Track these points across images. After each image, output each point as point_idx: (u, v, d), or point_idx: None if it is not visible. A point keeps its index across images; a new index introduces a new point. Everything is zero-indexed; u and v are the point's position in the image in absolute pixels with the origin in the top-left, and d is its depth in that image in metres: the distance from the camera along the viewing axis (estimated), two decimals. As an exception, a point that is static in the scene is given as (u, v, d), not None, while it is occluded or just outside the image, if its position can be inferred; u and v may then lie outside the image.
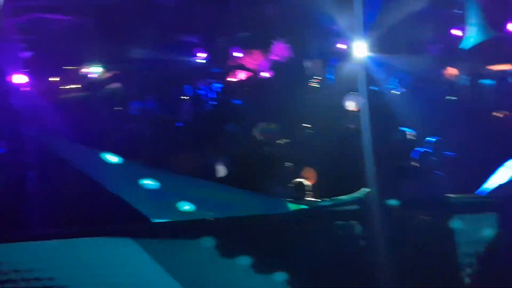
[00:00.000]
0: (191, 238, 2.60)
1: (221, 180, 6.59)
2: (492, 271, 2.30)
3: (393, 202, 2.55)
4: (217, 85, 17.65)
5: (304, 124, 8.34)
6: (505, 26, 14.34)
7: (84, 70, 23.70)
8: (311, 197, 4.44)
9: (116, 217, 2.68)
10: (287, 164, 6.58)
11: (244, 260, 2.57)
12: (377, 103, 9.40)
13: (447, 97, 11.00)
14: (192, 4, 18.62)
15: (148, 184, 2.67)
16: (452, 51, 17.46)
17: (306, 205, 2.54)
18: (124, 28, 17.88)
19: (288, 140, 8.03)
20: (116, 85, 20.85)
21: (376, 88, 12.47)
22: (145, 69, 18.38)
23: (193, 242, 2.62)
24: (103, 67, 20.58)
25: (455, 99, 10.34)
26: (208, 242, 2.59)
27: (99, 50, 17.67)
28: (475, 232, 2.40)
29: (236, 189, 2.69)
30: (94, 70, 21.58)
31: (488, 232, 2.31)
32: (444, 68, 15.51)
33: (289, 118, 9.15)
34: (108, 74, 21.25)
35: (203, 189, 2.73)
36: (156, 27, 17.81)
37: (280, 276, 2.60)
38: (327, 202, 2.64)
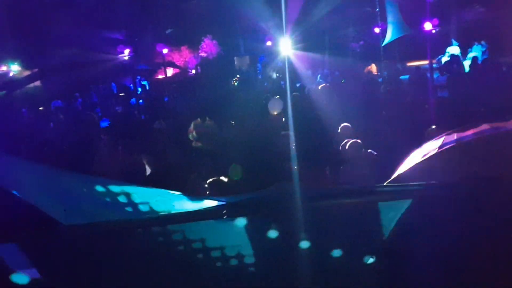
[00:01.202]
0: (106, 240, 2.57)
1: (146, 178, 6.50)
2: (410, 255, 2.46)
3: (309, 193, 2.65)
4: (144, 82, 17.38)
5: (230, 121, 8.39)
6: (420, 24, 15.22)
7: (2, 68, 22.50)
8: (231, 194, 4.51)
9: (26, 223, 2.58)
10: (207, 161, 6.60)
11: (160, 262, 2.57)
12: (301, 98, 9.68)
13: (368, 92, 11.51)
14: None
15: (59, 187, 2.59)
16: (372, 48, 18.25)
17: (223, 201, 2.58)
18: (46, 25, 17.08)
19: (215, 137, 8.06)
20: (36, 84, 19.97)
21: (300, 84, 12.88)
22: (68, 67, 17.72)
23: (110, 244, 2.59)
24: (22, 65, 19.65)
25: (374, 94, 10.82)
26: (125, 244, 2.57)
27: (19, 48, 16.79)
28: (393, 219, 2.55)
29: (152, 189, 2.68)
30: (13, 69, 20.55)
31: (405, 217, 2.47)
32: (365, 64, 16.21)
33: (216, 114, 9.16)
34: (27, 73, 20.29)
35: (119, 191, 2.68)
36: (79, 23, 17.17)
37: (199, 276, 2.62)
38: (243, 197, 2.69)
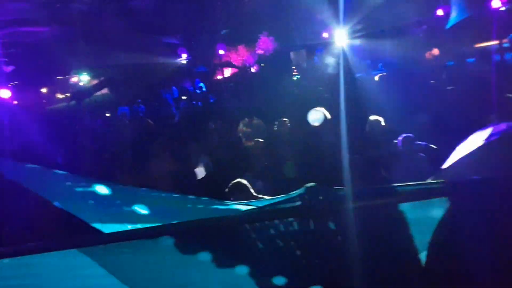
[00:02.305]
0: (145, 246, 2.58)
1: (202, 180, 6.57)
2: (446, 256, 2.29)
3: (340, 194, 2.52)
4: (201, 84, 17.65)
5: (284, 118, 8.28)
6: (486, 4, 14.29)
7: (72, 79, 23.80)
8: (261, 196, 4.42)
9: (65, 231, 2.66)
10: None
11: (199, 265, 2.55)
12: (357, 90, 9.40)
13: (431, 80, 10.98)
14: (169, 5, 18.57)
15: (98, 195, 2.63)
16: (436, 32, 17.40)
17: (252, 205, 2.52)
18: (104, 34, 17.84)
19: (264, 135, 8.00)
20: (104, 92, 20.94)
21: (360, 75, 12.50)
22: (131, 73, 18.40)
23: (148, 250, 2.60)
24: (89, 74, 20.62)
25: (436, 82, 10.29)
26: (162, 249, 2.57)
27: (83, 58, 17.67)
28: (426, 219, 2.39)
29: (182, 195, 2.66)
30: (81, 79, 21.68)
31: (438, 217, 2.29)
32: (428, 49, 15.47)
33: (270, 112, 9.10)
34: (94, 81, 21.32)
35: (152, 199, 2.70)
36: (135, 31, 17.77)
37: (236, 276, 2.58)
38: (272, 200, 2.61)
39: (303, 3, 17.55)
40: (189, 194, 2.82)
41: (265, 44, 19.70)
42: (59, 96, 24.56)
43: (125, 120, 12.83)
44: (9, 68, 17.87)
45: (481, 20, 16.40)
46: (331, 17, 16.32)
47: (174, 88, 17.46)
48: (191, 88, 16.30)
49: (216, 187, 6.10)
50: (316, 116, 7.15)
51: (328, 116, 7.21)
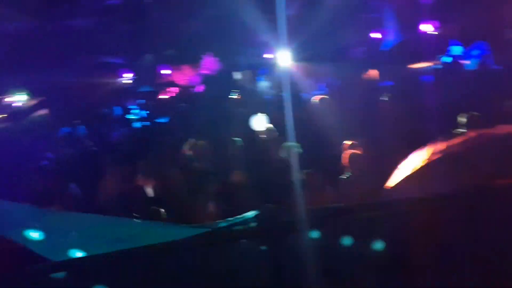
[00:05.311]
0: (93, 274, 2.52)
1: (147, 202, 6.48)
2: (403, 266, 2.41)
3: (297, 217, 2.59)
4: (147, 104, 17.43)
5: (232, 137, 8.34)
6: (417, 27, 15.17)
7: (7, 99, 22.74)
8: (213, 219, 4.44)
9: (13, 262, 2.55)
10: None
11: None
12: (302, 110, 9.63)
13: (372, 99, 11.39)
14: (113, 24, 18.34)
15: (41, 226, 2.55)
16: (373, 54, 18.19)
17: (207, 227, 2.52)
18: (42, 52, 17.30)
19: (209, 156, 8.04)
20: (43, 112, 20.14)
21: (303, 95, 12.80)
22: (71, 94, 17.88)
23: (96, 278, 2.55)
24: (27, 94, 19.81)
25: (378, 101, 10.71)
26: (110, 276, 2.52)
27: (21, 78, 17.00)
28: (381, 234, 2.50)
29: (132, 220, 2.62)
30: (18, 99, 20.76)
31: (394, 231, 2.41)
32: (367, 70, 16.10)
33: (216, 132, 9.14)
34: (33, 101, 20.48)
35: (99, 224, 2.64)
36: (77, 51, 17.37)
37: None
38: (227, 222, 2.63)
39: (246, 24, 17.85)
40: (139, 214, 2.81)
41: (210, 64, 19.81)
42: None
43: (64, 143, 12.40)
44: None
45: (414, 43, 17.43)
46: (274, 39, 16.69)
47: (116, 107, 17.13)
48: (135, 107, 16.06)
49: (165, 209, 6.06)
50: (260, 121, 7.27)
51: (275, 131, 7.36)
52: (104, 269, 2.52)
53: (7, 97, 22.41)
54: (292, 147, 6.41)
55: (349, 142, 6.48)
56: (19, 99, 20.55)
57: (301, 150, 6.29)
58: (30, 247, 2.57)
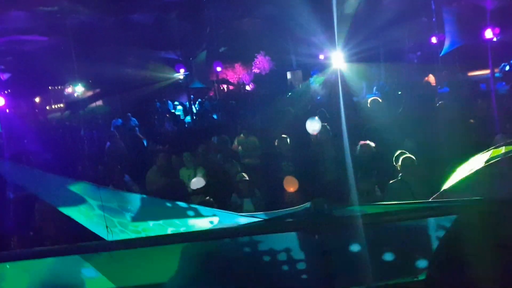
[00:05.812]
0: (148, 255, 2.59)
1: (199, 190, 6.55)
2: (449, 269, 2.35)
3: (345, 210, 2.56)
4: (200, 100, 17.71)
5: (282, 135, 8.34)
6: (481, 33, 14.59)
7: (65, 89, 23.75)
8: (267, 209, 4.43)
9: (70, 238, 2.65)
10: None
11: (205, 276, 2.55)
12: (354, 112, 9.48)
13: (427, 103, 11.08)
14: (170, 21, 18.71)
15: (102, 203, 2.62)
16: (430, 58, 17.69)
17: (258, 217, 2.53)
18: (102, 46, 17.90)
19: (258, 151, 8.05)
20: (98, 104, 20.90)
21: (355, 97, 12.63)
22: (126, 86, 18.41)
23: (150, 259, 2.61)
24: (84, 86, 20.60)
25: (434, 105, 10.40)
26: (166, 258, 2.58)
27: (78, 69, 17.67)
28: (438, 235, 2.44)
29: (189, 205, 2.66)
30: (75, 90, 21.64)
31: (450, 233, 2.34)
32: (423, 75, 15.70)
33: (268, 129, 9.15)
34: (89, 93, 21.29)
35: (157, 207, 2.70)
36: (134, 45, 17.85)
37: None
38: (278, 213, 2.63)
39: (300, 25, 17.79)
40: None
41: (261, 63, 19.88)
42: (53, 106, 24.52)
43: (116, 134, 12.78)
44: (5, 76, 17.83)
45: (473, 50, 16.75)
46: (327, 40, 16.55)
47: (169, 102, 17.50)
48: (187, 103, 16.36)
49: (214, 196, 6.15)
50: (315, 125, 7.19)
51: (328, 128, 7.28)
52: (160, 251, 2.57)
53: (67, 87, 23.44)
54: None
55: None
56: (78, 90, 21.46)
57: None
58: (84, 224, 2.66)
